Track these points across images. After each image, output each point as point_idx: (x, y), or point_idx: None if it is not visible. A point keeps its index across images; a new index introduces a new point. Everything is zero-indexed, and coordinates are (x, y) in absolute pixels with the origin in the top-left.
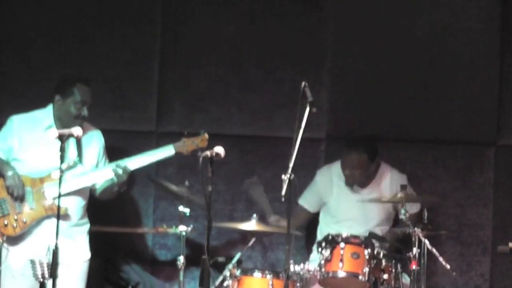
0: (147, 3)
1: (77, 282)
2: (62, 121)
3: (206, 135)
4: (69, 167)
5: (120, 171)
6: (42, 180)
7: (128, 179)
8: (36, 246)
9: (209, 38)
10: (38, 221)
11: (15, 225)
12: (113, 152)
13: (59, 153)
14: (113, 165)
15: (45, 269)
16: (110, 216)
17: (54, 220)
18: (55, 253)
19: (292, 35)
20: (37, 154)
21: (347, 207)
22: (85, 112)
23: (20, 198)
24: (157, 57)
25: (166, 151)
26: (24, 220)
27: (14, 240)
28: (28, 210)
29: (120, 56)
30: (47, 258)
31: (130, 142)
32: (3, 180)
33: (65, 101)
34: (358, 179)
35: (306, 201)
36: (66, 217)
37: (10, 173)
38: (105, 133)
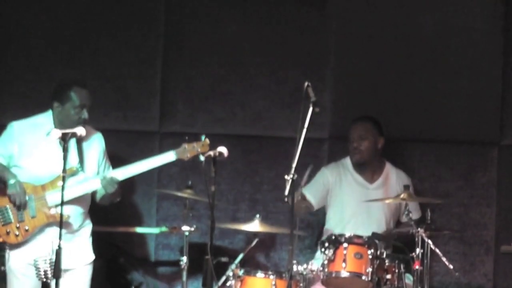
0: (150, 3)
1: (81, 285)
2: (63, 125)
3: (207, 141)
4: (71, 174)
5: (106, 183)
6: (43, 188)
7: (119, 191)
8: (39, 250)
9: (212, 38)
10: (40, 229)
11: (17, 233)
12: (116, 152)
13: (62, 154)
14: (100, 176)
15: (49, 269)
16: (113, 216)
17: (55, 227)
18: (58, 253)
19: (295, 34)
20: (38, 160)
21: (354, 205)
22: (85, 115)
23: (22, 206)
24: (160, 56)
25: (167, 157)
26: (26, 228)
27: (16, 245)
28: (30, 218)
29: (123, 55)
30: (50, 258)
31: (133, 142)
32: (5, 187)
33: (64, 106)
34: (365, 153)
35: (311, 193)
36: (67, 225)
37: (12, 181)
38: (108, 132)
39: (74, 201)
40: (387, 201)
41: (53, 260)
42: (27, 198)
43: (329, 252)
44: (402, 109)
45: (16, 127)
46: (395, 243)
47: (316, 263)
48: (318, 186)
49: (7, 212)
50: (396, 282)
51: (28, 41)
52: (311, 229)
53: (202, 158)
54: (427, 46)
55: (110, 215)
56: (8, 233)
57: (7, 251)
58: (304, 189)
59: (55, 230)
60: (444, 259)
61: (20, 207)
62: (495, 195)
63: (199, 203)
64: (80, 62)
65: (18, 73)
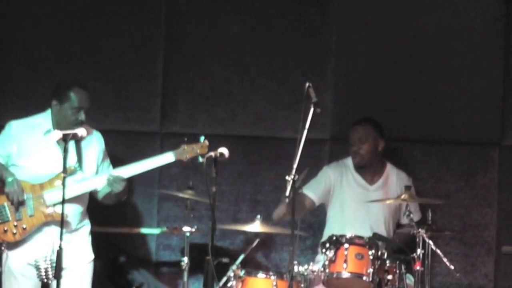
0: (151, 4)
1: (82, 284)
2: (60, 125)
3: (206, 142)
4: (69, 173)
5: (113, 181)
6: (41, 186)
7: (127, 188)
8: (37, 249)
9: (213, 39)
10: (38, 228)
11: (14, 231)
12: (116, 153)
13: (61, 153)
14: (106, 174)
15: (49, 269)
16: (114, 216)
17: (53, 226)
18: (59, 254)
19: (296, 35)
20: (36, 159)
21: (353, 206)
22: (82, 116)
23: (20, 205)
24: (161, 57)
25: (166, 158)
26: (24, 226)
27: (14, 244)
28: (27, 216)
29: (124, 56)
30: (50, 259)
31: (134, 143)
32: (3, 186)
33: (62, 106)
34: (366, 156)
35: (312, 191)
36: (65, 223)
37: (10, 179)
38: (109, 133)
39: (72, 200)
40: (387, 202)
41: (53, 259)
42: (25, 196)
43: (330, 253)
44: (403, 110)
45: (14, 126)
46: (398, 246)
47: (317, 266)
48: (319, 184)
49: (4, 210)
50: (397, 283)
51: (28, 41)
52: (312, 229)
53: (201, 159)
54: (428, 47)
55: (111, 216)
56: (5, 231)
57: (5, 251)
58: (305, 187)
59: (53, 229)
60: (445, 259)
61: (18, 205)
62: (496, 196)
63: (200, 204)
64: (80, 63)
65: (18, 73)
